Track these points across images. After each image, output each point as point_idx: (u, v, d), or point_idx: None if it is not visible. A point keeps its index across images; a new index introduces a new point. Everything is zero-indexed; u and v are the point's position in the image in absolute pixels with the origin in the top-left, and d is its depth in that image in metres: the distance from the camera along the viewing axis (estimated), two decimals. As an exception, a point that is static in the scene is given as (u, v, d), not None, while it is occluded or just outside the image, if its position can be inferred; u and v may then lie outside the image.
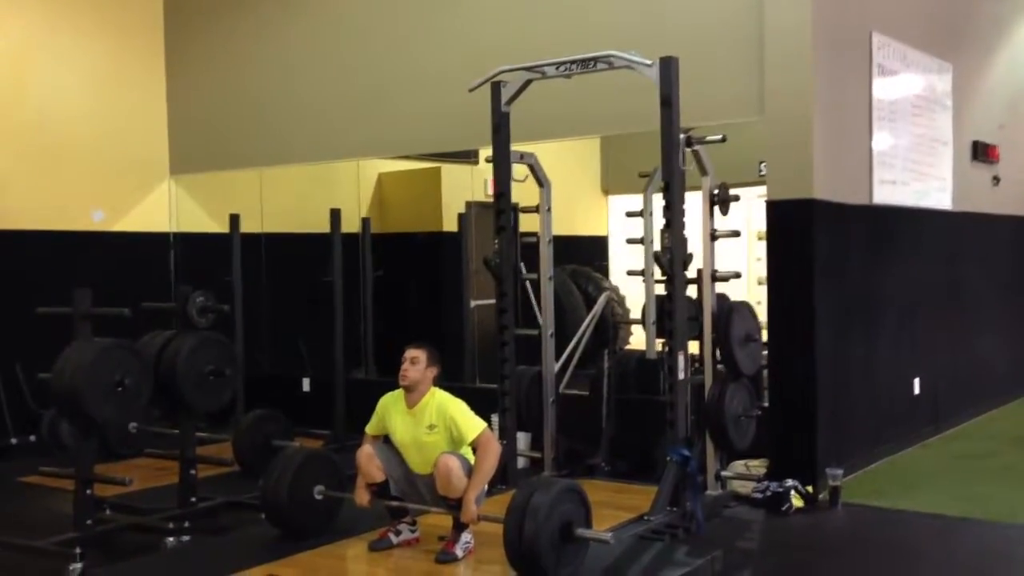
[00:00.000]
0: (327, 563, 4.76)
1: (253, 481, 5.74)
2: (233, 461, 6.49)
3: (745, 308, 5.90)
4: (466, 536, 4.72)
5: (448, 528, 4.77)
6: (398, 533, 4.89)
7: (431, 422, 4.77)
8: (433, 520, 4.99)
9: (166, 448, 6.30)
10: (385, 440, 4.98)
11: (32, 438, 7.40)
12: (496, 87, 5.97)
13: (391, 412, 4.92)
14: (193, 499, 5.72)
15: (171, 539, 5.26)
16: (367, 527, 5.04)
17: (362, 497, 4.90)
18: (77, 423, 5.32)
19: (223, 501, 5.86)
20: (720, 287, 5.93)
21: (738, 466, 6.05)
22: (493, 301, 6.19)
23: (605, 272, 10.22)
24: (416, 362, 4.80)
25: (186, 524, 5.48)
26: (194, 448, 5.82)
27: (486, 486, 4.80)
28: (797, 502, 5.73)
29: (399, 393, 4.89)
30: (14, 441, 7.54)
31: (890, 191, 7.04)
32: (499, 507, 4.48)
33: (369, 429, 5.01)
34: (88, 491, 5.21)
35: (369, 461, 4.85)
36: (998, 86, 9.16)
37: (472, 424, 4.73)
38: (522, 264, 6.75)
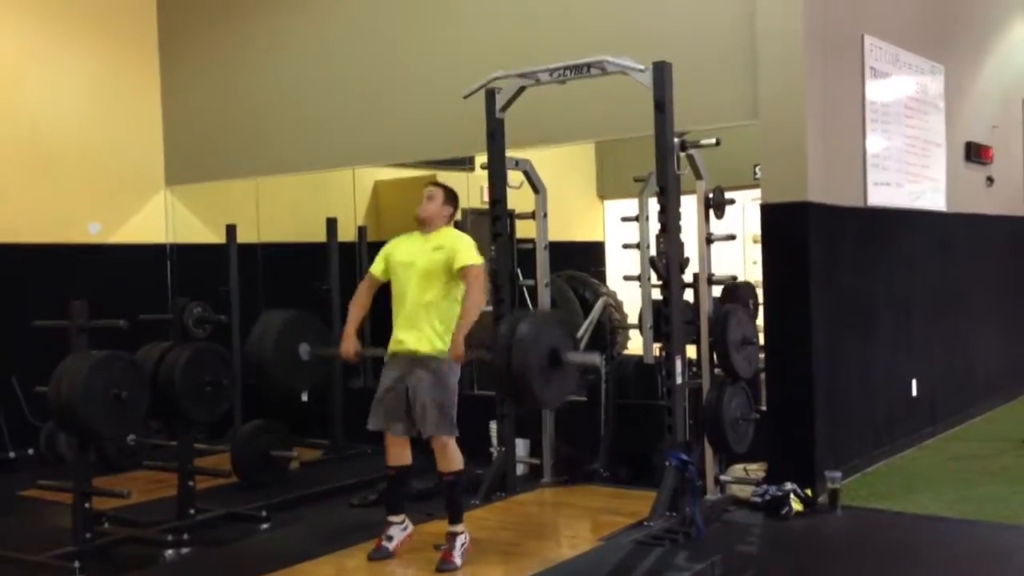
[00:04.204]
0: (327, 573, 4.75)
1: (252, 492, 5.75)
2: (232, 472, 6.48)
3: (742, 311, 5.90)
4: (461, 539, 4.72)
5: (442, 535, 4.76)
6: (391, 539, 4.86)
7: (438, 244, 4.88)
8: (430, 528, 5.00)
9: (164, 460, 6.28)
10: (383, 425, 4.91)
11: (30, 451, 7.38)
12: (490, 94, 5.98)
13: (399, 243, 5.06)
14: (192, 511, 5.70)
15: (170, 551, 5.25)
16: (366, 537, 5.04)
17: (348, 349, 5.04)
18: (75, 436, 5.30)
19: (222, 513, 5.84)
20: (716, 291, 5.94)
21: (737, 470, 6.05)
22: (490, 308, 6.19)
23: (602, 277, 10.20)
24: (433, 198, 4.93)
25: (185, 536, 5.46)
26: (192, 460, 5.81)
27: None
28: (796, 505, 5.73)
29: (412, 232, 5.01)
30: (12, 455, 7.51)
31: (884, 193, 7.05)
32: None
33: (373, 270, 5.13)
34: (86, 504, 5.19)
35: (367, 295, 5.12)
36: (990, 87, 9.19)
37: (470, 256, 4.80)
38: (519, 270, 6.75)
